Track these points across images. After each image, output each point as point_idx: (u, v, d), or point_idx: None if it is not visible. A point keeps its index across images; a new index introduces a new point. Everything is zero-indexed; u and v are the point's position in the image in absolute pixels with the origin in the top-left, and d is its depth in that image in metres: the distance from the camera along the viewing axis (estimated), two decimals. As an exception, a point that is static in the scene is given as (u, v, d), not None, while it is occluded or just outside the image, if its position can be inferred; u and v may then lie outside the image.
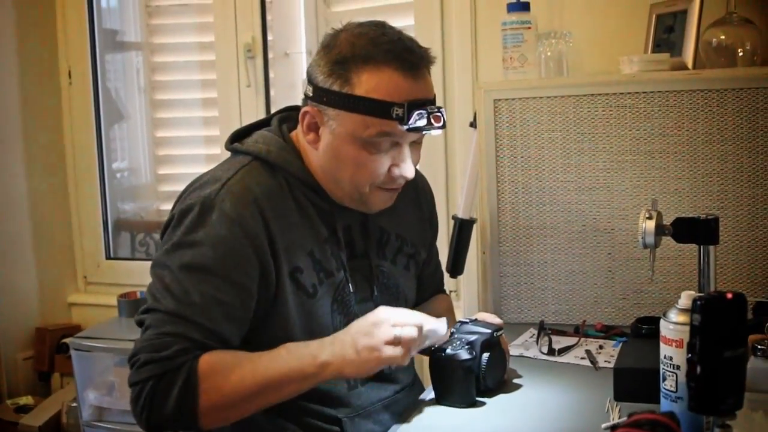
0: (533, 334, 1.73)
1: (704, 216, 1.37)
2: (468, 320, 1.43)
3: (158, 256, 1.32)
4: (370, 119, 1.30)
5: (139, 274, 2.93)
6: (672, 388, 1.16)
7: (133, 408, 1.24)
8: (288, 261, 1.34)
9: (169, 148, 3.10)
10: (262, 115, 1.54)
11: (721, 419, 1.04)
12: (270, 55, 2.82)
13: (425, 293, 1.67)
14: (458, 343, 1.36)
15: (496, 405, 1.37)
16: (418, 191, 1.61)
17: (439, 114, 1.32)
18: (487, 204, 1.90)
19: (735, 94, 1.69)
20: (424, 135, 1.37)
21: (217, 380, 1.22)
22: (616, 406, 1.32)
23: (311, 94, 1.35)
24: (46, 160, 3.08)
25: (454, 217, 1.90)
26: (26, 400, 2.93)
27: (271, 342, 1.30)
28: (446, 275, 1.82)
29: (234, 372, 1.23)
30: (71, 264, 3.17)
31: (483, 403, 1.37)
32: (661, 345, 1.17)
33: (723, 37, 1.84)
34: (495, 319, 1.46)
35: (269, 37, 2.82)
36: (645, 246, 1.41)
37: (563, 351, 1.64)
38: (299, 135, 1.42)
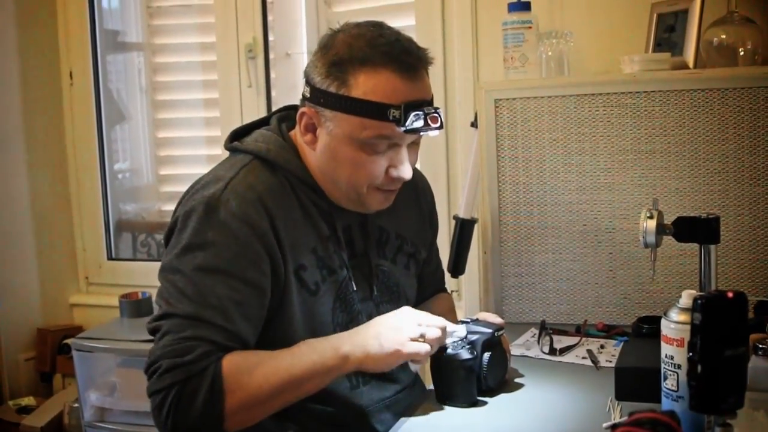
0: (534, 334, 1.73)
1: (705, 215, 1.37)
2: (469, 320, 1.43)
3: (168, 260, 1.30)
4: (367, 121, 1.30)
5: (140, 275, 2.93)
6: (673, 388, 1.16)
7: (157, 416, 1.21)
8: (293, 258, 1.34)
9: (171, 148, 3.11)
10: (263, 116, 1.53)
11: (722, 418, 1.04)
12: (271, 56, 2.82)
13: (426, 292, 1.67)
14: (459, 342, 1.36)
15: (497, 405, 1.37)
16: (417, 190, 1.61)
17: (436, 115, 1.32)
18: (489, 204, 1.90)
19: (736, 93, 1.69)
20: (421, 136, 1.37)
21: (242, 381, 1.22)
22: (618, 405, 1.32)
23: (308, 95, 1.35)
24: (48, 161, 3.08)
25: (456, 217, 1.90)
26: (28, 400, 2.93)
27: (274, 340, 1.30)
28: (447, 275, 1.82)
29: (257, 371, 1.23)
30: (73, 265, 3.17)
31: (484, 403, 1.37)
32: (662, 344, 1.17)
33: (724, 36, 1.84)
34: (496, 319, 1.46)
35: (270, 38, 2.82)
36: (646, 245, 1.41)
37: (564, 350, 1.64)
38: (298, 134, 1.42)
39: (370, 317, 1.37)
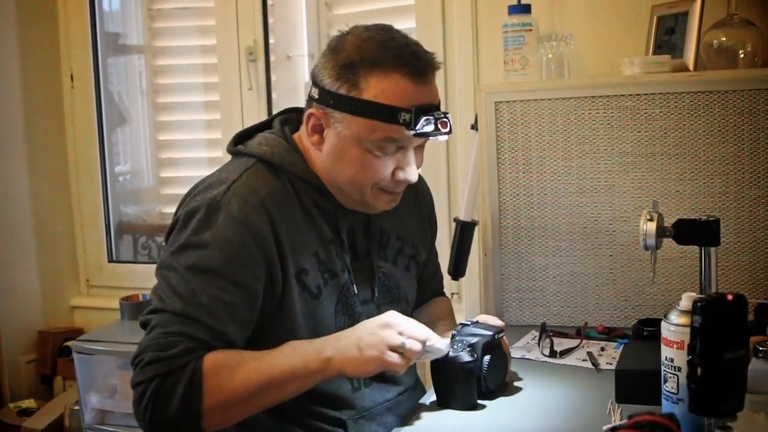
0: (535, 336, 1.73)
1: (705, 217, 1.37)
2: (469, 322, 1.43)
3: (164, 257, 1.32)
4: (377, 123, 1.30)
5: (141, 277, 2.94)
6: (673, 390, 1.16)
7: (136, 409, 1.22)
8: (294, 262, 1.35)
9: (172, 151, 3.11)
10: (264, 118, 1.54)
11: (722, 421, 1.04)
12: (272, 58, 2.82)
13: (425, 295, 1.67)
14: (459, 345, 1.36)
15: (497, 407, 1.37)
16: (417, 192, 1.62)
17: (446, 120, 1.33)
18: (489, 206, 1.90)
19: (736, 95, 1.69)
20: (428, 139, 1.37)
21: (222, 379, 1.22)
22: (618, 407, 1.32)
23: (317, 97, 1.36)
24: (49, 164, 3.09)
25: (456, 220, 1.90)
26: (29, 403, 2.93)
27: (276, 343, 1.30)
28: (448, 277, 1.82)
29: (238, 370, 1.23)
30: (74, 267, 3.17)
31: (484, 406, 1.37)
32: (662, 347, 1.17)
33: (724, 38, 1.84)
34: (496, 322, 1.45)
35: (271, 40, 2.82)
36: (646, 248, 1.41)
37: (565, 353, 1.64)
38: (302, 136, 1.42)
39: (370, 319, 1.37)
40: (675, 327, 1.15)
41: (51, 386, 3.05)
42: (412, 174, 1.37)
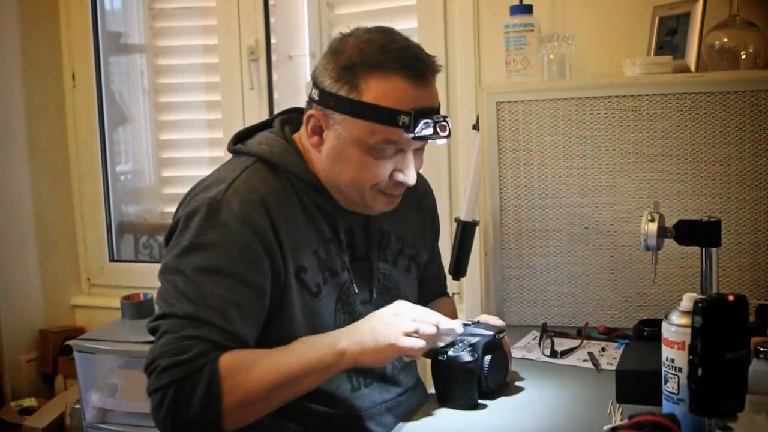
0: (536, 336, 1.73)
1: (707, 218, 1.37)
2: (470, 322, 1.43)
3: (168, 261, 1.30)
4: (376, 126, 1.31)
5: (142, 277, 2.94)
6: (674, 390, 1.16)
7: (156, 415, 1.22)
8: (294, 260, 1.35)
9: (173, 150, 3.11)
10: (265, 118, 1.54)
11: (723, 421, 1.04)
12: (273, 58, 2.82)
13: (427, 295, 1.67)
14: (460, 345, 1.36)
15: (498, 407, 1.38)
16: (419, 194, 1.61)
17: (444, 123, 1.33)
18: (490, 206, 1.90)
19: (738, 96, 1.69)
20: (427, 142, 1.37)
21: (239, 378, 1.22)
22: (619, 408, 1.32)
23: (317, 98, 1.36)
24: (50, 163, 3.08)
25: (457, 220, 1.90)
26: (30, 402, 2.93)
27: (275, 341, 1.30)
28: (449, 277, 1.82)
29: (255, 369, 1.23)
30: (75, 266, 3.17)
31: (485, 406, 1.37)
32: (663, 347, 1.17)
33: (726, 39, 1.84)
34: (497, 321, 1.46)
35: (272, 40, 2.82)
36: (647, 248, 1.42)
37: (566, 353, 1.64)
38: (302, 137, 1.43)
39: (370, 319, 1.37)
40: (676, 327, 1.15)
41: (52, 385, 3.05)
42: (410, 176, 1.37)
